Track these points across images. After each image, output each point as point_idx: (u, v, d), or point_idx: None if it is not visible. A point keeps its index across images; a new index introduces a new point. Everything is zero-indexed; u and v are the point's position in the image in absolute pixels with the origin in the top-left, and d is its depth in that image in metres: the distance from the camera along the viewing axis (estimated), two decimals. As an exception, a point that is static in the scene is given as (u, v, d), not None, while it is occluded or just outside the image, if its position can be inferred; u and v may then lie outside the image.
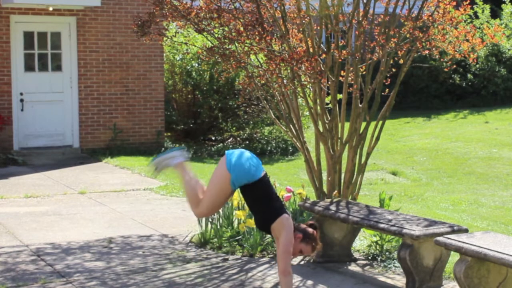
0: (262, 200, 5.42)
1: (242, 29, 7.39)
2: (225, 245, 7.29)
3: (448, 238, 5.45)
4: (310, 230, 5.44)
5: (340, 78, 7.46)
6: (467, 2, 7.43)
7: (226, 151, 5.58)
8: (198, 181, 5.73)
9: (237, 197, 7.35)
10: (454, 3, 7.37)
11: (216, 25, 7.70)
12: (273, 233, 5.40)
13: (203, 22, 7.67)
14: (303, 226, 5.47)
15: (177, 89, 15.83)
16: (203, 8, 7.56)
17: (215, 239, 7.36)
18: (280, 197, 7.61)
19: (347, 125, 7.58)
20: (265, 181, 5.44)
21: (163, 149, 4.90)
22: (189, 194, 5.63)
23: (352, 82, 7.36)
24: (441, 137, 15.72)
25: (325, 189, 7.70)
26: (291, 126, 7.88)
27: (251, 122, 15.89)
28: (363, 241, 7.35)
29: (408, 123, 18.08)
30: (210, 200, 5.51)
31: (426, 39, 7.30)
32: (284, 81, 7.56)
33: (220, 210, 7.31)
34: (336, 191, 7.48)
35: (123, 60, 14.09)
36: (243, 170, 5.38)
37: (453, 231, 5.84)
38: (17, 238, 7.65)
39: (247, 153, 5.49)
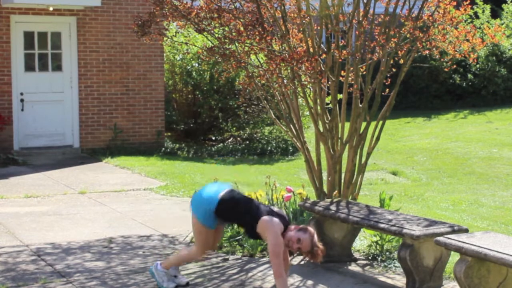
0: (237, 214, 5.69)
1: (242, 29, 7.39)
2: (225, 245, 7.29)
3: (448, 238, 5.45)
4: (309, 227, 5.52)
5: (340, 78, 7.46)
6: (467, 2, 7.43)
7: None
8: (180, 252, 6.28)
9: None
10: (455, 3, 7.37)
11: (217, 25, 7.70)
12: (261, 236, 5.59)
13: (204, 22, 7.67)
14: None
15: (177, 89, 15.83)
16: (204, 8, 7.56)
17: (215, 239, 7.35)
18: (280, 197, 7.65)
19: (347, 125, 7.58)
20: (229, 197, 5.70)
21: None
22: (187, 259, 6.18)
23: (352, 82, 7.36)
24: (441, 137, 15.72)
25: (325, 189, 7.70)
26: (291, 126, 7.88)
27: (251, 122, 15.90)
28: (363, 241, 7.35)
29: (408, 123, 18.08)
30: (200, 245, 5.90)
31: (426, 39, 7.30)
32: (284, 81, 7.56)
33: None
34: (336, 191, 7.48)
35: (123, 60, 14.09)
36: (198, 204, 5.74)
37: (453, 231, 5.84)
38: (17, 238, 7.65)
39: (205, 187, 5.92)
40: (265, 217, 5.48)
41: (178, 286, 6.00)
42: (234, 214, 5.71)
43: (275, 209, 5.72)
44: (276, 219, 5.47)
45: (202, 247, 5.87)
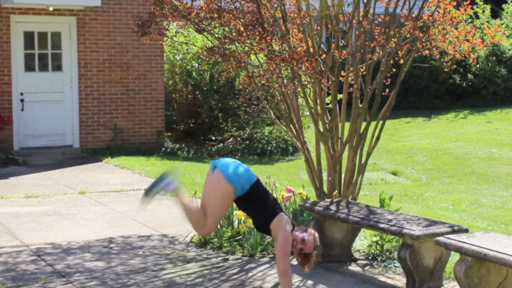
0: (259, 201, 5.48)
1: (242, 29, 7.39)
2: (225, 245, 7.29)
3: (448, 238, 5.45)
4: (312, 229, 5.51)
5: (340, 78, 7.46)
6: (467, 2, 7.43)
7: (212, 163, 5.52)
8: (195, 204, 5.68)
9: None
10: (455, 3, 7.37)
11: (217, 25, 7.70)
12: (272, 233, 5.44)
13: (204, 22, 7.67)
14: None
15: (177, 89, 15.83)
16: (204, 8, 7.56)
17: (215, 239, 7.36)
18: (280, 197, 7.65)
19: (347, 125, 7.58)
20: (259, 183, 5.54)
21: (154, 180, 5.03)
22: (193, 217, 5.52)
23: (352, 82, 7.36)
24: (441, 137, 15.72)
25: (325, 189, 7.70)
26: (291, 126, 7.88)
27: (251, 122, 15.89)
28: (363, 241, 7.35)
29: (408, 123, 18.08)
30: (216, 217, 5.47)
31: (426, 39, 7.30)
32: (284, 81, 7.56)
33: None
34: (336, 191, 7.48)
35: (123, 60, 14.09)
36: (243, 178, 5.42)
37: (453, 231, 5.84)
38: (17, 238, 7.65)
39: (236, 161, 5.56)
40: (283, 214, 5.42)
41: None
42: (258, 201, 5.48)
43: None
44: (288, 218, 5.46)
45: (218, 219, 5.49)
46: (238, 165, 5.48)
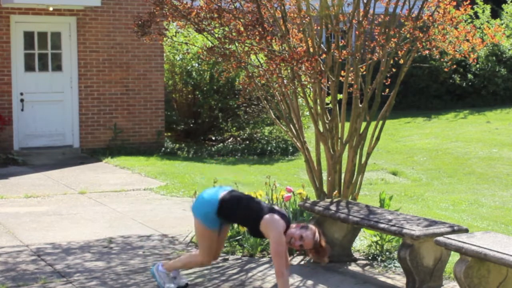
0: (238, 213, 5.65)
1: (242, 29, 7.39)
2: (225, 245, 7.29)
3: (448, 238, 5.45)
4: (312, 225, 5.53)
5: (340, 78, 7.46)
6: (467, 2, 7.43)
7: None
8: (185, 257, 6.13)
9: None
10: (455, 3, 7.36)
11: (217, 25, 7.70)
12: (264, 235, 5.56)
13: (204, 22, 7.67)
14: None
15: (177, 89, 15.83)
16: (204, 8, 7.56)
17: (215, 239, 7.35)
18: (280, 197, 7.65)
19: (347, 125, 7.58)
20: (231, 196, 5.68)
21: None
22: (191, 266, 6.13)
23: (352, 82, 7.36)
24: (441, 137, 15.72)
25: (325, 189, 7.70)
26: (291, 126, 7.88)
27: (251, 122, 15.90)
28: (363, 241, 7.35)
29: (408, 123, 18.08)
30: (204, 250, 5.81)
31: (426, 39, 7.30)
32: (284, 81, 7.56)
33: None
34: (336, 191, 7.48)
35: (123, 60, 14.09)
36: (200, 206, 5.71)
37: (453, 231, 5.84)
38: (17, 238, 7.65)
39: (205, 190, 5.88)
40: (267, 216, 5.47)
41: (178, 287, 5.99)
42: (236, 214, 5.68)
43: (276, 207, 5.72)
44: (278, 218, 5.46)
45: (206, 252, 5.79)
46: (201, 194, 5.82)
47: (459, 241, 5.35)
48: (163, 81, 14.64)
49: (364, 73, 7.52)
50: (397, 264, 6.62)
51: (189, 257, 6.08)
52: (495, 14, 22.86)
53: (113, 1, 13.91)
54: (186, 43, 11.23)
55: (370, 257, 7.00)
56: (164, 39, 8.33)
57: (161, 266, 5.98)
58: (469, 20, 20.38)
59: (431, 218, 6.76)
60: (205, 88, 15.25)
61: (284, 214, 5.59)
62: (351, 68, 7.38)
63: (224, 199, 5.65)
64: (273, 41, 7.42)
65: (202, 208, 5.70)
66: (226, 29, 7.66)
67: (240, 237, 7.29)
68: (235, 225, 7.42)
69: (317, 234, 5.47)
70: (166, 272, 5.96)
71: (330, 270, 6.62)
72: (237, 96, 15.09)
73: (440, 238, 5.52)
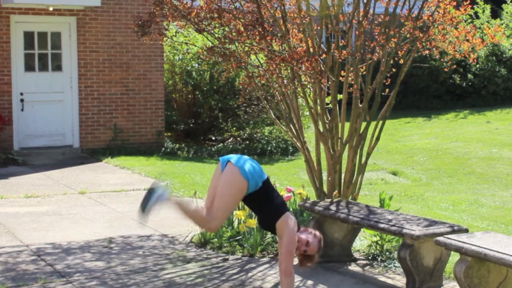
0: (268, 199, 5.40)
1: (242, 29, 7.39)
2: (225, 245, 7.29)
3: (448, 238, 5.45)
4: (317, 231, 5.49)
5: (340, 78, 7.46)
6: (467, 2, 7.43)
7: (224, 159, 5.41)
8: (193, 204, 5.70)
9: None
10: (455, 3, 7.36)
11: (217, 25, 7.70)
12: (277, 231, 5.40)
13: (204, 22, 7.67)
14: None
15: (177, 89, 15.83)
16: (204, 8, 7.56)
17: (215, 239, 7.36)
18: (280, 197, 7.64)
19: (347, 125, 7.58)
20: (269, 181, 5.51)
21: (145, 193, 4.88)
22: (197, 218, 5.39)
23: (352, 82, 7.36)
24: (441, 137, 15.72)
25: (325, 189, 7.70)
26: (291, 126, 7.88)
27: (251, 122, 15.90)
28: (363, 241, 7.35)
29: (408, 123, 18.08)
30: (226, 211, 5.35)
31: (426, 39, 7.30)
32: (284, 81, 7.56)
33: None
34: (336, 191, 7.49)
35: (123, 60, 14.09)
36: (257, 175, 5.35)
37: (453, 231, 5.84)
38: (17, 238, 7.65)
39: (248, 157, 5.49)
40: (289, 214, 5.39)
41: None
42: (266, 197, 5.41)
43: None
44: (294, 218, 5.44)
45: (225, 217, 5.36)
46: (252, 162, 5.41)
47: (459, 241, 5.35)
48: (163, 81, 14.64)
49: (364, 73, 7.52)
50: (397, 264, 6.62)
51: (199, 210, 5.45)
52: (495, 14, 22.86)
53: (113, 1, 13.91)
54: (186, 43, 11.22)
55: (370, 257, 7.00)
56: (164, 39, 8.34)
57: (166, 196, 5.25)
58: (469, 20, 20.38)
59: (431, 218, 6.77)
60: (205, 88, 15.25)
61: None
62: (351, 68, 7.38)
63: (268, 178, 5.49)
64: (273, 41, 7.42)
65: (257, 175, 5.33)
66: (226, 29, 7.66)
67: (240, 237, 7.29)
68: (235, 225, 7.43)
69: (322, 241, 5.44)
70: (164, 202, 5.33)
71: (330, 270, 6.62)
72: (237, 96, 15.09)
73: (440, 238, 5.52)
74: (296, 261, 5.52)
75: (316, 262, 6.71)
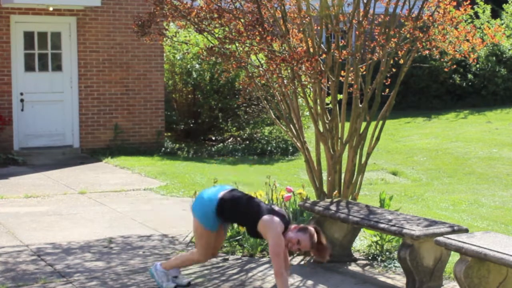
0: (237, 213, 5.68)
1: (242, 29, 7.39)
2: (225, 245, 7.29)
3: (448, 238, 5.45)
4: (310, 227, 5.51)
5: (340, 78, 7.46)
6: (467, 2, 7.43)
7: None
8: (182, 255, 6.24)
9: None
10: (455, 3, 7.36)
11: (217, 25, 7.70)
12: (263, 236, 5.58)
13: (204, 22, 7.67)
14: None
15: (177, 89, 15.83)
16: (204, 8, 7.56)
17: (215, 239, 7.35)
18: (280, 197, 7.65)
19: (347, 125, 7.58)
20: (230, 196, 5.69)
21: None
22: (188, 263, 6.12)
23: (352, 82, 7.36)
24: (441, 137, 15.72)
25: (325, 189, 7.70)
26: (291, 126, 7.88)
27: (251, 122, 15.90)
28: (363, 241, 7.35)
29: (408, 123, 18.08)
30: (202, 248, 5.86)
31: (426, 39, 7.30)
32: (285, 81, 7.56)
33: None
34: (336, 191, 7.48)
35: (123, 60, 14.09)
36: (199, 205, 5.74)
37: (453, 231, 5.84)
38: (17, 238, 7.65)
39: (205, 190, 5.92)
40: (265, 217, 5.47)
41: (178, 286, 5.99)
42: (235, 214, 5.70)
43: (276, 208, 5.72)
44: (277, 218, 5.47)
45: (204, 250, 5.83)
46: (201, 193, 5.83)
47: (459, 241, 5.35)
48: (163, 81, 14.64)
49: (364, 73, 7.52)
50: (397, 264, 6.62)
51: (186, 255, 6.13)
52: (496, 14, 22.85)
53: (113, 1, 13.91)
54: (186, 43, 11.22)
55: (370, 257, 7.00)
56: (164, 39, 8.33)
57: (159, 266, 6.00)
58: (469, 20, 20.38)
59: (431, 218, 6.76)
60: (205, 88, 15.25)
61: (283, 215, 5.59)
62: (351, 68, 7.38)
63: (224, 198, 5.66)
64: (273, 41, 7.42)
65: (201, 208, 5.71)
66: (226, 29, 7.66)
67: (240, 237, 7.29)
68: (235, 225, 7.42)
69: (315, 236, 5.46)
70: (164, 271, 5.96)
71: (330, 270, 6.62)
72: (237, 96, 15.09)
73: (440, 238, 5.52)
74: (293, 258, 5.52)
75: (316, 262, 6.74)
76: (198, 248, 5.86)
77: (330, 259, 6.77)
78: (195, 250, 5.98)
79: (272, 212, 5.55)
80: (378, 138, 7.61)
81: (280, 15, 7.46)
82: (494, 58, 20.34)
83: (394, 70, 7.63)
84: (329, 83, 7.43)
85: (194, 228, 5.85)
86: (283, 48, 7.60)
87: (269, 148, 14.61)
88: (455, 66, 12.11)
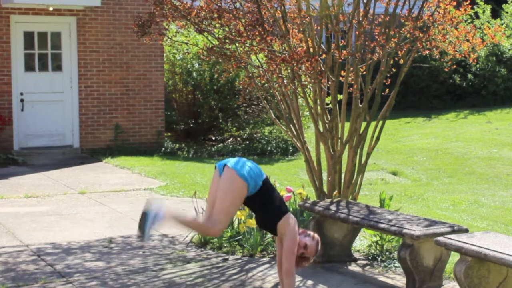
0: (268, 199, 5.39)
1: (242, 29, 7.39)
2: (225, 245, 7.29)
3: (448, 238, 5.45)
4: (315, 233, 5.49)
5: (340, 78, 7.46)
6: (467, 2, 7.43)
7: (220, 164, 5.40)
8: (189, 214, 5.82)
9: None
10: (455, 3, 7.36)
11: (217, 25, 7.70)
12: (278, 232, 5.39)
13: (204, 22, 7.67)
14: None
15: (177, 89, 15.83)
16: (204, 8, 7.56)
17: (215, 239, 7.36)
18: (280, 197, 7.63)
19: (347, 125, 7.58)
20: (268, 180, 5.50)
21: (140, 216, 4.78)
22: (196, 227, 5.46)
23: (352, 82, 7.36)
24: (441, 137, 15.72)
25: (325, 189, 7.70)
26: (291, 126, 7.88)
27: (251, 122, 15.89)
28: (363, 241, 7.35)
29: (408, 123, 18.08)
30: (228, 214, 5.32)
31: (426, 39, 7.30)
32: (285, 81, 7.57)
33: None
34: (336, 191, 7.48)
35: (123, 60, 14.09)
36: (256, 175, 5.32)
37: (453, 231, 5.84)
38: (17, 238, 7.65)
39: (244, 159, 5.46)
40: (292, 216, 5.40)
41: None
42: (266, 197, 5.41)
43: None
44: (295, 219, 5.45)
45: (228, 220, 5.35)
46: (249, 163, 5.40)
47: (459, 241, 5.35)
48: (163, 81, 14.64)
49: (364, 73, 7.52)
50: (397, 264, 6.62)
51: (197, 220, 5.63)
52: (496, 14, 22.85)
53: (113, 1, 13.91)
54: (186, 43, 11.22)
55: (370, 257, 7.00)
56: (164, 39, 8.34)
57: (162, 215, 5.19)
58: (469, 20, 20.38)
59: (431, 218, 6.77)
60: (205, 88, 15.25)
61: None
62: (351, 68, 7.38)
63: (267, 178, 5.48)
64: (273, 41, 7.42)
65: (257, 176, 5.32)
66: (226, 29, 7.66)
67: (240, 237, 7.30)
68: (235, 225, 7.43)
69: (319, 244, 5.45)
70: (161, 224, 5.26)
71: (330, 270, 6.62)
72: (237, 96, 15.09)
73: (440, 238, 5.52)
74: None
75: (317, 262, 6.74)
76: (224, 216, 5.25)
77: (330, 259, 6.80)
78: (211, 220, 5.30)
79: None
80: (378, 138, 7.61)
81: (280, 15, 7.46)
82: (494, 58, 20.34)
83: (394, 70, 7.63)
84: (329, 83, 7.44)
85: (234, 191, 5.24)
86: (283, 48, 7.61)
87: (269, 148, 14.61)
88: (455, 66, 12.11)
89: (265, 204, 5.39)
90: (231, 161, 5.37)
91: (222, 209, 5.26)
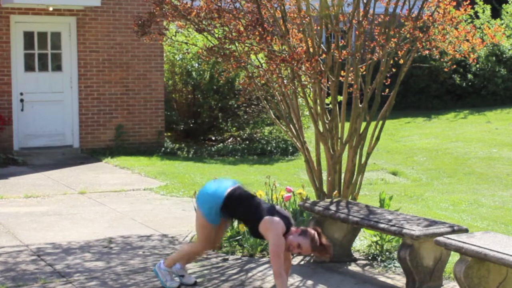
0: (241, 212, 5.69)
1: (242, 29, 7.39)
2: (225, 245, 7.29)
3: (448, 238, 5.45)
4: (310, 229, 5.49)
5: (340, 78, 7.46)
6: (467, 2, 7.43)
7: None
8: (182, 248, 6.36)
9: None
10: (455, 3, 7.37)
11: (217, 25, 7.70)
12: (263, 236, 5.57)
13: (204, 22, 7.67)
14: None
15: (177, 89, 15.83)
16: (204, 8, 7.56)
17: (215, 239, 7.35)
18: (280, 197, 7.64)
19: (347, 125, 7.58)
20: (236, 195, 5.70)
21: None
22: (190, 256, 6.11)
23: (352, 82, 7.36)
24: (441, 137, 15.72)
25: (325, 189, 7.70)
26: (291, 126, 7.88)
27: (251, 122, 15.89)
28: (363, 241, 7.35)
29: (408, 123, 18.08)
30: (202, 240, 5.89)
31: (426, 39, 7.30)
32: (284, 81, 7.56)
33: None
34: (336, 191, 7.48)
35: (123, 60, 14.09)
36: (206, 199, 5.74)
37: (453, 231, 5.84)
38: (17, 238, 7.65)
39: (210, 183, 5.92)
40: (267, 217, 5.47)
41: (183, 285, 6.00)
42: (238, 211, 5.70)
43: (279, 208, 5.70)
44: (277, 219, 5.46)
45: (204, 242, 5.86)
46: (207, 186, 5.86)
47: (459, 241, 5.35)
48: (163, 81, 14.64)
49: (364, 73, 7.52)
50: (397, 264, 6.62)
51: (186, 248, 6.19)
52: (496, 14, 22.85)
53: (113, 1, 13.91)
54: (186, 43, 11.22)
55: (370, 257, 7.00)
56: (164, 39, 8.34)
57: (162, 264, 6.02)
58: (469, 20, 20.37)
59: (431, 218, 6.77)
60: (205, 88, 15.25)
61: (285, 216, 5.58)
62: (351, 68, 7.38)
63: (231, 195, 5.67)
64: (273, 41, 7.42)
65: (207, 201, 5.72)
66: (226, 29, 7.66)
67: (240, 237, 7.29)
68: (235, 225, 7.42)
69: (316, 239, 5.45)
70: (168, 270, 5.98)
71: (330, 270, 6.62)
72: (237, 96, 15.09)
73: (440, 238, 5.52)
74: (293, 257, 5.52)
75: (316, 262, 6.74)
76: (200, 240, 5.89)
77: (330, 259, 6.79)
78: (195, 243, 6.06)
79: (274, 212, 5.55)
80: (378, 138, 7.61)
81: (280, 15, 7.46)
82: (494, 58, 20.34)
83: (394, 70, 7.63)
84: (329, 83, 7.43)
85: (197, 219, 5.87)
86: (283, 48, 7.61)
87: (269, 148, 14.60)
88: (455, 66, 12.13)
89: (239, 216, 5.83)
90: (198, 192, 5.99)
91: (199, 237, 5.95)
